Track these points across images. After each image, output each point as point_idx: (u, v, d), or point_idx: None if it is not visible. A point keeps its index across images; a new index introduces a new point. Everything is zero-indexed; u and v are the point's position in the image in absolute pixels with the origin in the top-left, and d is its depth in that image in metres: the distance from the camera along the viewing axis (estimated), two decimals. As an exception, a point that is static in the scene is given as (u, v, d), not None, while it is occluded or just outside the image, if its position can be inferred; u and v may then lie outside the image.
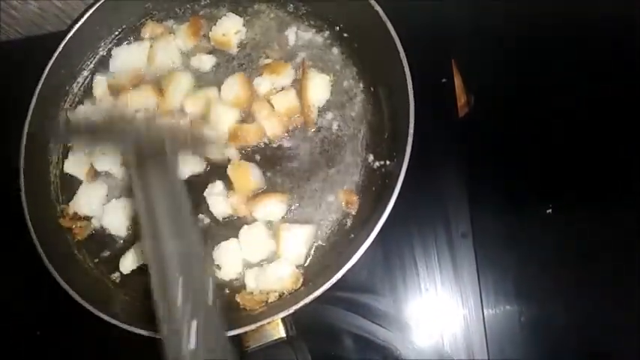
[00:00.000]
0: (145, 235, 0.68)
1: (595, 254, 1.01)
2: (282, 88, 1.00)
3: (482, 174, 1.05)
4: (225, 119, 0.98)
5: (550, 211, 1.04)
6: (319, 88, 0.98)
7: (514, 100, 1.11)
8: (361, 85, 1.00)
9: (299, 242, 0.90)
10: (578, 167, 1.06)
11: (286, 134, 0.99)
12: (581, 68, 1.11)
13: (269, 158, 0.98)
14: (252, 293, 0.89)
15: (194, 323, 0.59)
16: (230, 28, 1.05)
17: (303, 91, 0.98)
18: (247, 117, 1.00)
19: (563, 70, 1.12)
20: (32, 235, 0.91)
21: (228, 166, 0.95)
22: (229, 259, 0.91)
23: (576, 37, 1.12)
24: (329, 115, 0.99)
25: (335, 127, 0.98)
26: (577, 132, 1.08)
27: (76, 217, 0.99)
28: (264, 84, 1.00)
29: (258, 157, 0.99)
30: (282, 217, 0.94)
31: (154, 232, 0.67)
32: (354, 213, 0.93)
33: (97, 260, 0.99)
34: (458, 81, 1.09)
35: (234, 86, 1.00)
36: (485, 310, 0.95)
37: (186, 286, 0.62)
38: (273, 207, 0.93)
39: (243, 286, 0.91)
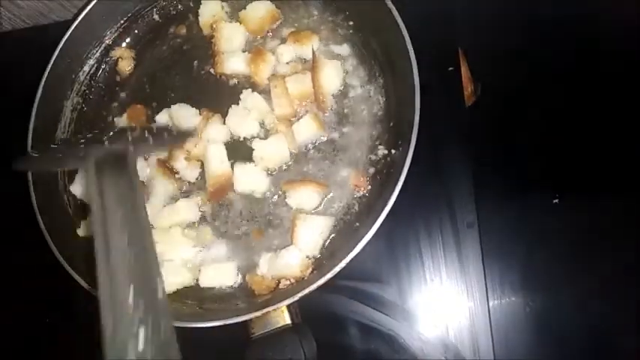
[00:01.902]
0: (97, 241, 0.65)
1: (602, 244, 1.00)
2: (304, 61, 1.02)
3: (489, 163, 1.05)
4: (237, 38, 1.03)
5: (557, 200, 1.04)
6: (332, 75, 0.98)
7: (521, 89, 1.10)
8: (367, 73, 1.00)
9: (315, 233, 0.90)
10: (586, 156, 1.05)
11: (293, 118, 0.99)
12: (589, 56, 1.10)
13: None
14: (262, 277, 0.90)
15: (142, 329, 0.57)
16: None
17: (316, 78, 0.98)
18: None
19: (571, 58, 1.11)
20: (40, 225, 0.92)
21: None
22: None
23: (586, 24, 1.11)
24: (334, 103, 0.99)
25: (341, 116, 0.99)
26: (585, 121, 1.07)
27: None
28: (287, 53, 1.02)
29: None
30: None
31: (106, 237, 0.65)
32: (362, 195, 0.93)
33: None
34: (464, 70, 1.08)
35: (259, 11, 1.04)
36: (490, 301, 0.95)
37: (137, 293, 0.60)
38: (308, 197, 0.93)
39: (256, 267, 0.91)
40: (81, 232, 0.98)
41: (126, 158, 0.75)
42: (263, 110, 0.99)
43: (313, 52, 1.00)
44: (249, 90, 1.00)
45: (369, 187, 0.94)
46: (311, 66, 0.99)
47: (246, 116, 0.99)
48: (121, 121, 1.07)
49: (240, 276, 0.93)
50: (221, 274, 0.91)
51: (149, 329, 0.57)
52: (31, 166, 0.94)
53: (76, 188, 1.01)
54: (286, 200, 0.94)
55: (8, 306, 1.09)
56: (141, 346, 0.56)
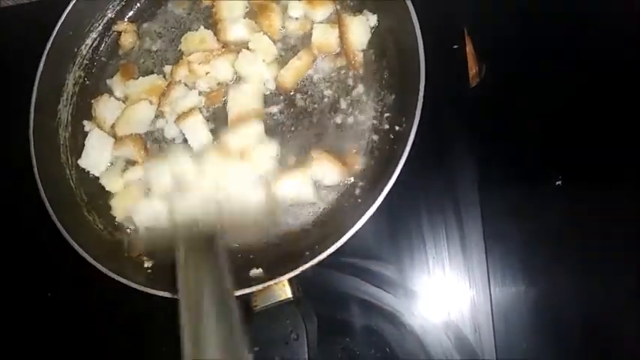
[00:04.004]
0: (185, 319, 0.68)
1: (606, 228, 0.99)
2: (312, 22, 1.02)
3: (492, 144, 1.04)
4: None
5: (560, 182, 1.03)
6: (359, 30, 0.98)
7: (526, 71, 1.09)
8: (372, 49, 1.00)
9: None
10: (590, 137, 1.04)
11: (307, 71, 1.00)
12: (596, 39, 1.09)
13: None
14: None
15: None
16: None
17: (344, 37, 0.98)
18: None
19: (578, 41, 1.09)
20: (43, 198, 0.92)
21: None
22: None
23: (592, 5, 1.09)
24: (338, 78, 0.99)
25: (346, 91, 0.98)
26: (589, 102, 1.06)
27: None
28: (296, 8, 1.02)
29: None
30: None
31: (196, 319, 0.68)
32: (357, 169, 0.94)
33: (106, 221, 1.00)
34: (469, 51, 1.07)
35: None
36: (491, 281, 0.95)
37: None
38: (330, 173, 0.93)
39: None
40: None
41: (214, 240, 0.80)
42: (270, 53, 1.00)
43: (338, 12, 1.00)
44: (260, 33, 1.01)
45: (370, 162, 0.94)
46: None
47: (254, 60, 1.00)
48: (114, 80, 1.07)
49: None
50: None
51: None
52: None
53: (86, 161, 1.01)
54: (309, 168, 0.94)
55: (11, 280, 1.10)
56: None
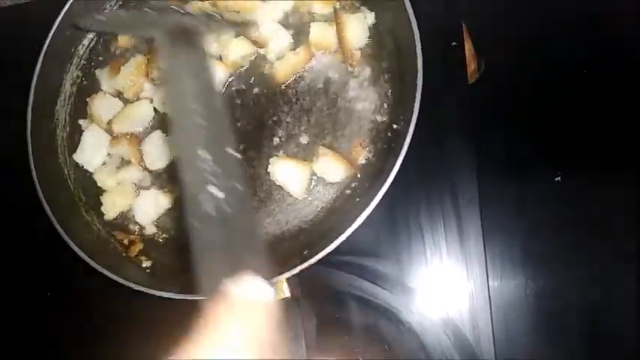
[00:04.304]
0: (172, 109, 0.70)
1: (606, 223, 1.00)
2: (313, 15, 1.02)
3: (491, 140, 1.04)
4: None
5: (559, 178, 1.03)
6: (357, 28, 0.97)
7: (526, 66, 1.08)
8: (369, 46, 0.99)
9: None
10: (589, 133, 1.04)
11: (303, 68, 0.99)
12: (597, 34, 1.08)
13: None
14: None
15: (213, 178, 0.60)
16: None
17: (341, 34, 0.97)
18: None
19: (577, 36, 1.09)
20: (41, 198, 0.92)
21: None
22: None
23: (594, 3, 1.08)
24: (336, 75, 0.99)
25: (343, 88, 0.98)
26: (589, 98, 1.05)
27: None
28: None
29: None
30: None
31: (181, 105, 0.69)
32: (362, 162, 0.93)
33: (104, 221, 1.00)
34: (468, 46, 1.06)
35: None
36: (490, 277, 0.95)
37: (210, 150, 0.63)
38: (334, 170, 0.93)
39: None
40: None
41: (198, 33, 0.79)
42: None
43: (335, 10, 0.99)
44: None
45: (368, 159, 0.94)
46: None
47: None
48: (104, 74, 1.07)
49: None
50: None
51: (221, 179, 0.60)
52: (95, 26, 0.94)
53: (81, 157, 1.01)
54: (312, 165, 0.94)
55: (9, 280, 1.10)
56: (215, 192, 0.59)
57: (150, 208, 0.97)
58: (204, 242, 0.57)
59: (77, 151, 1.02)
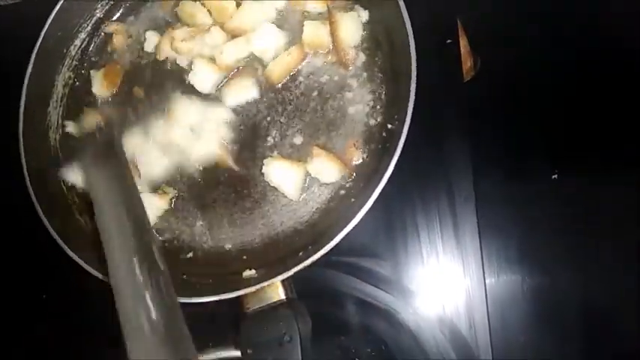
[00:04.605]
0: (99, 221, 0.72)
1: (603, 221, 0.99)
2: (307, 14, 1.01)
3: (487, 138, 1.03)
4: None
5: (556, 176, 1.02)
6: (351, 26, 0.97)
7: (522, 64, 1.08)
8: (363, 45, 0.98)
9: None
10: (587, 131, 1.04)
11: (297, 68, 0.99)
12: (592, 31, 1.08)
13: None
14: None
15: (147, 292, 0.64)
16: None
17: (335, 32, 0.97)
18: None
19: (574, 32, 1.08)
20: (34, 201, 0.91)
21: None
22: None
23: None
24: (329, 75, 0.98)
25: (337, 87, 0.97)
26: (586, 96, 1.05)
27: None
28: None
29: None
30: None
31: (105, 217, 0.72)
32: (356, 163, 0.93)
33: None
34: (463, 42, 1.06)
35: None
36: (486, 276, 0.95)
37: (140, 261, 0.66)
38: (329, 170, 0.92)
39: None
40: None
41: (112, 142, 0.83)
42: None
43: (329, 8, 0.99)
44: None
45: (363, 159, 0.93)
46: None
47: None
48: (97, 76, 1.06)
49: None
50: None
51: (154, 289, 0.64)
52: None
53: (66, 173, 1.00)
54: (307, 166, 0.93)
55: (3, 283, 1.09)
56: (151, 310, 0.63)
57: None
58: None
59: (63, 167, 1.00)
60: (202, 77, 1.00)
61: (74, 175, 1.00)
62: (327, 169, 0.92)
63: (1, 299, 1.09)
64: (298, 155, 0.95)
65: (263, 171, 0.93)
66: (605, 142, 1.03)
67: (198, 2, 1.04)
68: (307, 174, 0.93)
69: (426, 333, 0.93)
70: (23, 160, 0.94)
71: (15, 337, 1.07)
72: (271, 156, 0.95)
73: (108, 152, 0.82)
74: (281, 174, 0.92)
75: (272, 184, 0.93)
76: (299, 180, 0.92)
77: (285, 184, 0.92)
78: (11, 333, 1.07)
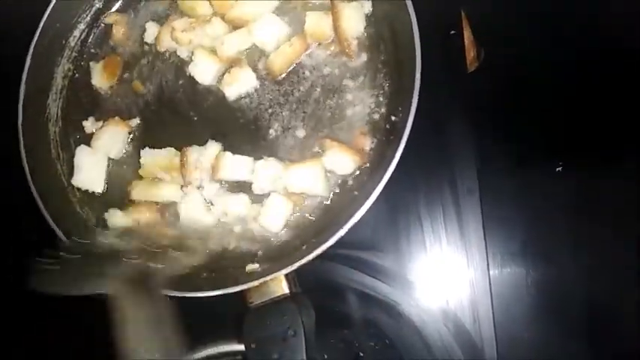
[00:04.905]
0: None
1: (607, 213, 0.99)
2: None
3: (491, 130, 1.02)
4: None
5: (560, 168, 1.02)
6: (354, 17, 0.95)
7: (526, 54, 1.06)
8: (366, 36, 0.97)
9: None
10: (591, 123, 1.02)
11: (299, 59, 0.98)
12: (596, 21, 1.06)
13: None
14: None
15: None
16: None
17: (338, 24, 0.95)
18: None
19: (578, 23, 1.07)
20: (34, 195, 0.91)
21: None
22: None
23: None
24: (332, 67, 0.97)
25: (340, 79, 0.96)
26: (590, 87, 1.04)
27: None
28: None
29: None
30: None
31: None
32: (367, 150, 0.92)
33: (98, 217, 0.98)
34: (467, 33, 1.05)
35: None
36: (490, 269, 0.94)
37: None
38: (344, 162, 0.91)
39: None
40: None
41: (155, 276, 0.76)
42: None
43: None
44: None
45: (371, 150, 0.92)
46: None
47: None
48: (97, 68, 1.05)
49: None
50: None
51: None
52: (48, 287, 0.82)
53: (80, 179, 0.99)
54: (323, 158, 0.91)
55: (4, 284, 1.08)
56: None
57: None
58: None
59: (74, 173, 0.99)
60: (203, 68, 1.00)
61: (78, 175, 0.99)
62: (342, 161, 0.90)
63: (1, 299, 1.08)
64: (301, 148, 0.94)
65: (285, 184, 0.91)
66: (609, 134, 1.02)
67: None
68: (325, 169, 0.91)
69: (429, 326, 0.93)
70: (23, 152, 0.94)
71: (15, 337, 1.07)
72: (284, 162, 0.93)
73: (147, 282, 0.74)
74: (302, 178, 0.90)
75: (299, 192, 0.91)
76: (322, 177, 0.90)
77: (311, 187, 0.90)
78: (11, 333, 1.07)
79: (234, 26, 1.01)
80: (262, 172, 0.91)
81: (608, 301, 0.96)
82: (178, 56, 1.04)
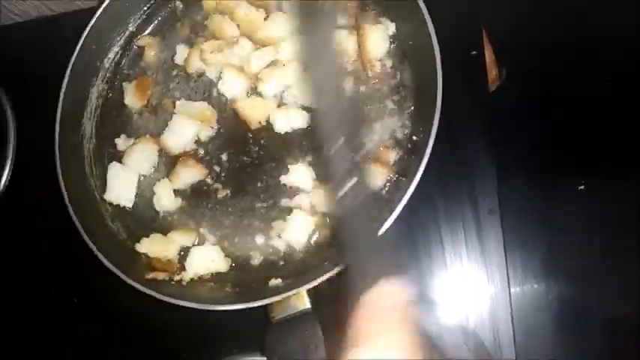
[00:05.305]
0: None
1: (629, 234, 0.97)
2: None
3: (512, 149, 1.02)
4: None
5: (582, 187, 1.01)
6: (378, 39, 0.97)
7: (548, 73, 1.06)
8: (390, 57, 0.99)
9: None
10: (613, 142, 1.02)
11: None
12: (623, 38, 1.06)
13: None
14: None
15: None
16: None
17: (362, 44, 0.97)
18: None
19: (601, 41, 1.07)
20: (69, 209, 0.94)
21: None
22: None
23: (616, 7, 1.06)
24: (356, 86, 0.99)
25: (362, 99, 0.98)
26: (613, 105, 1.03)
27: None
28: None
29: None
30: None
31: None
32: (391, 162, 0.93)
33: (129, 231, 1.02)
34: (488, 52, 1.05)
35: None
36: (511, 289, 0.93)
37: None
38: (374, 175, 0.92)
39: None
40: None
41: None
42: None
43: (356, 19, 0.99)
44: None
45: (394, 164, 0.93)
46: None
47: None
48: (129, 88, 1.08)
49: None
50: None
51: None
52: None
53: (113, 195, 1.02)
54: None
55: (36, 286, 1.11)
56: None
57: (203, 262, 0.94)
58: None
59: (107, 189, 1.02)
60: (231, 86, 1.03)
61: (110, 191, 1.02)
62: (372, 175, 0.92)
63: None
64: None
65: (313, 202, 0.93)
66: (632, 153, 1.01)
67: (226, 15, 1.06)
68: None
69: (449, 345, 0.93)
70: (59, 169, 0.97)
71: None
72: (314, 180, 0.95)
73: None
74: None
75: (327, 211, 0.92)
76: None
77: None
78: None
79: (262, 45, 1.04)
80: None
81: (631, 321, 0.95)
82: (207, 77, 1.07)
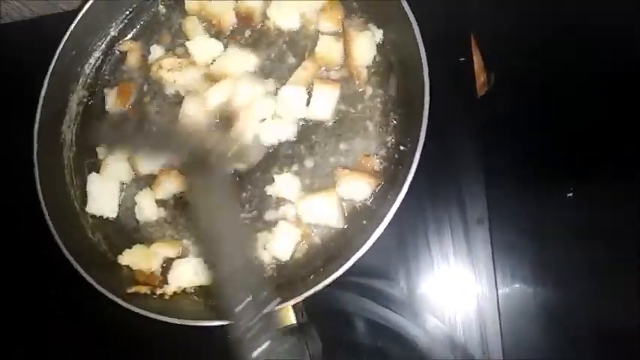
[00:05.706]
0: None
1: (618, 239, 0.98)
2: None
3: (501, 156, 1.02)
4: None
5: (571, 194, 1.01)
6: (364, 46, 0.96)
7: (536, 79, 1.06)
8: (377, 64, 0.98)
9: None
10: (602, 148, 1.02)
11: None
12: (611, 43, 1.05)
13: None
14: None
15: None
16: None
17: (348, 51, 0.96)
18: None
19: (588, 47, 1.06)
20: (47, 220, 0.92)
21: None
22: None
23: (603, 11, 1.06)
24: (343, 96, 0.98)
25: (348, 108, 0.97)
26: (601, 112, 1.03)
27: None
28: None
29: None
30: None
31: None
32: (377, 169, 0.92)
33: (110, 243, 1.00)
34: (477, 58, 1.05)
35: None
36: (500, 298, 0.93)
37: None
38: (359, 188, 0.91)
39: None
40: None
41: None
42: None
43: (343, 26, 0.98)
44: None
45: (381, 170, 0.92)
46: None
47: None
48: (111, 94, 1.06)
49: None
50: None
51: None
52: None
53: (93, 207, 1.00)
54: (337, 189, 0.91)
55: (11, 300, 1.10)
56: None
57: (187, 275, 0.93)
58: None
59: (88, 202, 1.00)
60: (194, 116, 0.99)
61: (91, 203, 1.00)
62: (357, 187, 0.90)
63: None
64: (311, 176, 0.95)
65: (298, 214, 0.91)
66: (620, 160, 1.01)
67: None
68: (341, 198, 0.91)
69: (437, 354, 0.92)
70: (37, 178, 0.95)
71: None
72: (301, 194, 0.93)
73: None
74: (316, 210, 0.90)
75: (314, 223, 0.92)
76: (336, 207, 0.90)
77: (325, 219, 0.90)
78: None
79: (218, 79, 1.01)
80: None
81: (618, 325, 0.95)
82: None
